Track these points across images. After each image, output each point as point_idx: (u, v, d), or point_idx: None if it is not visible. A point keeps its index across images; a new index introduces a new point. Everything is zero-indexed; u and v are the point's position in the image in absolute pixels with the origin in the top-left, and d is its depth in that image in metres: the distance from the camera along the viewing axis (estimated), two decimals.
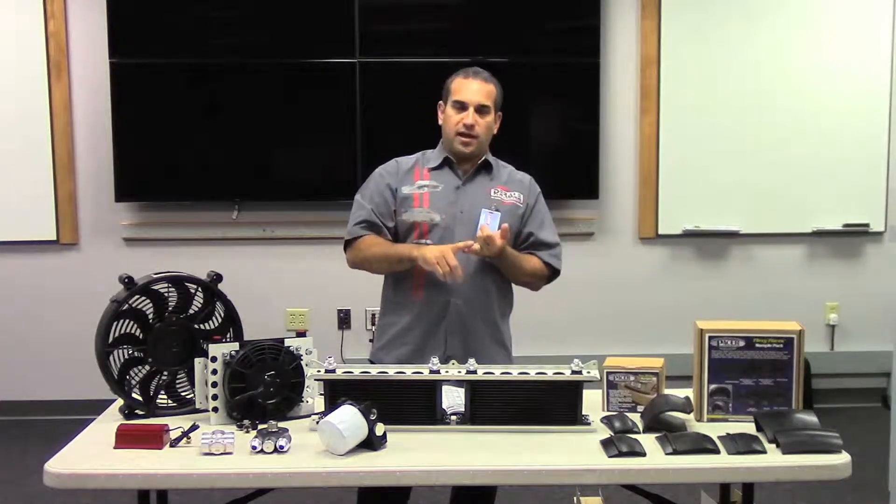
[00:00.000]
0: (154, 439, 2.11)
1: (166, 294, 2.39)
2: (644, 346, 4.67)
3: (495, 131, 2.75)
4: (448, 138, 2.70)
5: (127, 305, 2.33)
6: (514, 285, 2.77)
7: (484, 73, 2.71)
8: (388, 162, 2.77)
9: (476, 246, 2.54)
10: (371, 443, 2.08)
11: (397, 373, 2.29)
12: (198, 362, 2.28)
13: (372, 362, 2.70)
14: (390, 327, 2.72)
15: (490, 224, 2.59)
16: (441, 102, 2.74)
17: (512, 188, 2.73)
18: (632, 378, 2.39)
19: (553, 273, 2.75)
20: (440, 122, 2.75)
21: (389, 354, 2.67)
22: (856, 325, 5.07)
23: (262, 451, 2.07)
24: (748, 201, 4.97)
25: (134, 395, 2.36)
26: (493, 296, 2.70)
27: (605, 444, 2.12)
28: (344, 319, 4.94)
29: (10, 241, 4.82)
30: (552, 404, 2.25)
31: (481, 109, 2.66)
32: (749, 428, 2.21)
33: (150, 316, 2.37)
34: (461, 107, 2.66)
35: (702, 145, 4.93)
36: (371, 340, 4.77)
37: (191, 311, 2.42)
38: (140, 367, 2.37)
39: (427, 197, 2.67)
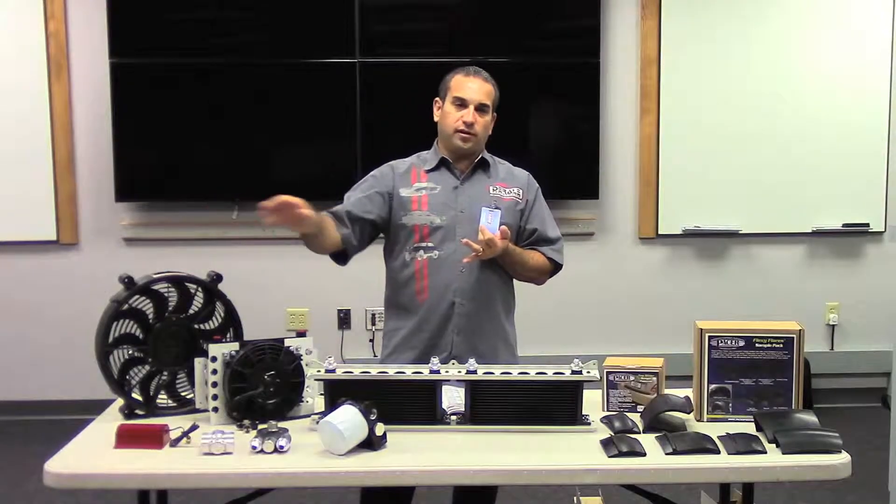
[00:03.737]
0: (154, 439, 2.11)
1: (166, 294, 2.39)
2: (644, 346, 4.66)
3: (490, 132, 2.73)
4: (446, 135, 2.68)
5: (127, 305, 2.33)
6: (514, 284, 2.76)
7: (484, 72, 2.70)
8: (382, 166, 2.75)
9: (477, 247, 2.51)
10: (371, 443, 2.08)
11: (397, 373, 2.29)
12: (198, 362, 2.28)
13: None
14: (396, 332, 2.70)
15: (491, 221, 2.57)
16: (437, 99, 2.73)
17: (511, 184, 2.72)
18: (632, 378, 2.39)
19: (556, 267, 2.75)
20: (436, 118, 2.72)
21: (398, 360, 2.65)
22: (856, 325, 5.08)
23: (262, 451, 2.07)
24: (748, 201, 4.97)
25: (134, 395, 2.36)
26: (497, 295, 2.69)
27: (605, 444, 2.11)
28: (344, 319, 4.94)
29: (10, 241, 4.82)
30: (552, 404, 2.25)
31: (481, 108, 2.65)
32: (749, 428, 2.21)
33: (150, 316, 2.37)
34: (461, 104, 2.64)
35: (702, 145, 4.94)
36: (371, 340, 4.84)
37: (191, 311, 2.42)
38: (140, 367, 2.37)
39: (426, 199, 2.66)
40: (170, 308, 2.39)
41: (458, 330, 2.63)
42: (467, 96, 2.64)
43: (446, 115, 2.68)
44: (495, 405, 2.25)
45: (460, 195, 2.68)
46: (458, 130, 2.64)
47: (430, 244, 2.63)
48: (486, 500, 2.76)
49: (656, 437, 2.16)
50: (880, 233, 5.02)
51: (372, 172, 2.75)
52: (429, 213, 2.65)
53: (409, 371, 2.30)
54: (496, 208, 2.62)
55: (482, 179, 2.71)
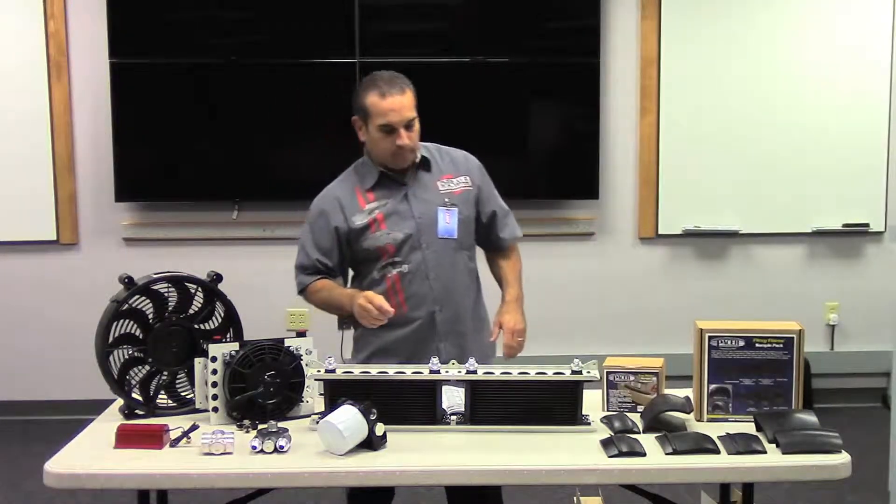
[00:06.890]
0: (154, 439, 2.11)
1: (166, 294, 2.39)
2: (644, 346, 4.66)
3: None
4: (382, 159, 2.60)
5: (127, 305, 2.34)
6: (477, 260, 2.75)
7: (398, 82, 2.56)
8: (324, 197, 2.68)
9: (513, 346, 2.57)
10: (371, 443, 2.08)
11: (397, 373, 2.29)
12: (198, 362, 2.29)
13: None
14: (372, 342, 2.66)
15: (450, 221, 2.57)
16: (356, 119, 2.60)
17: (456, 173, 2.67)
18: (632, 378, 2.39)
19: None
20: (361, 138, 2.62)
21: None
22: (856, 325, 5.07)
23: (262, 451, 2.07)
24: (748, 201, 4.97)
25: (134, 395, 2.36)
26: (469, 285, 2.68)
27: (605, 444, 2.12)
28: (344, 320, 4.93)
29: (10, 241, 4.82)
30: (552, 404, 2.25)
31: (409, 123, 2.54)
32: (749, 428, 2.21)
33: (150, 316, 2.37)
34: (389, 129, 2.52)
35: (702, 145, 4.93)
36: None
37: (191, 311, 2.42)
38: (140, 367, 2.37)
39: (381, 218, 2.60)
40: (170, 308, 2.39)
41: (442, 337, 2.62)
42: (393, 121, 2.51)
43: (375, 141, 2.57)
44: (495, 405, 2.25)
45: (413, 202, 2.61)
46: (395, 154, 2.56)
47: (397, 259, 2.59)
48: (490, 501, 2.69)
49: (656, 437, 2.16)
50: (880, 233, 5.02)
51: (316, 209, 2.69)
52: (388, 230, 2.59)
53: (409, 371, 2.30)
54: (452, 206, 2.60)
55: (428, 178, 2.65)
